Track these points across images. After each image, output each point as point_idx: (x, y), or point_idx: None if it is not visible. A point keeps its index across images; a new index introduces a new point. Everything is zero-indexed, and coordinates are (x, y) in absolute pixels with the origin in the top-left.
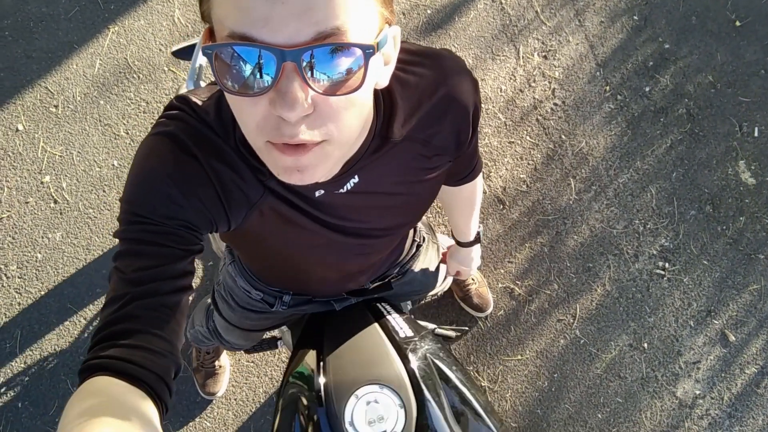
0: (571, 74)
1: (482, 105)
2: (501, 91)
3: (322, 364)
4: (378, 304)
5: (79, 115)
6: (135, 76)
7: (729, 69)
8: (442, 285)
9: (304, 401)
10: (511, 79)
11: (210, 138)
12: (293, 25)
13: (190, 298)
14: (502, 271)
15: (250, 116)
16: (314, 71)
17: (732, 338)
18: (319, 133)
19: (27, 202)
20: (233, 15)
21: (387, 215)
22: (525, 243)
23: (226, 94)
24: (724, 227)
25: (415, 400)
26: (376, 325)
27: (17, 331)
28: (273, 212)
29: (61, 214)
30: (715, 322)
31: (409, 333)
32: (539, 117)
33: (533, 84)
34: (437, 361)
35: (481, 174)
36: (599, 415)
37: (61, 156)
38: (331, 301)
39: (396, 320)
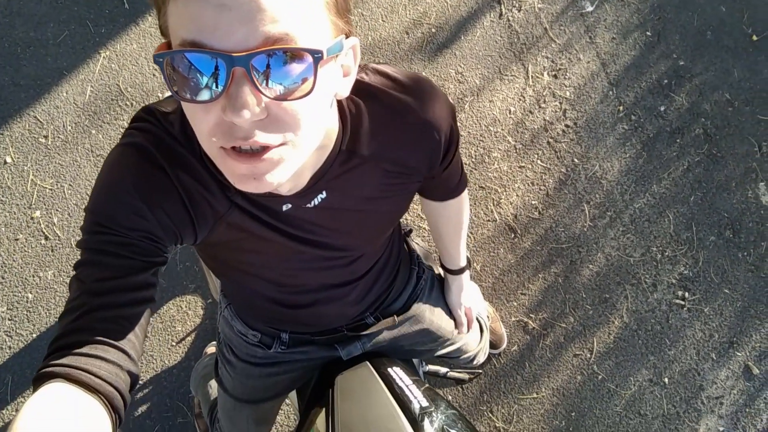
0: (583, 94)
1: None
2: (510, 112)
3: None
4: (390, 369)
5: (70, 145)
6: (128, 102)
7: (746, 86)
8: (479, 345)
9: None
10: (520, 99)
11: (176, 150)
12: (242, 31)
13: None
14: (515, 303)
15: (203, 123)
16: (264, 76)
17: (756, 371)
18: (275, 137)
19: (17, 239)
20: (184, 24)
21: (355, 231)
22: (538, 273)
23: (180, 102)
24: (745, 253)
25: None
26: (388, 395)
27: (8, 376)
28: (239, 226)
29: (52, 251)
30: (738, 354)
31: (424, 403)
32: (550, 139)
33: (543, 105)
34: None
35: (466, 191)
36: None
37: (51, 189)
38: (335, 345)
39: (410, 388)
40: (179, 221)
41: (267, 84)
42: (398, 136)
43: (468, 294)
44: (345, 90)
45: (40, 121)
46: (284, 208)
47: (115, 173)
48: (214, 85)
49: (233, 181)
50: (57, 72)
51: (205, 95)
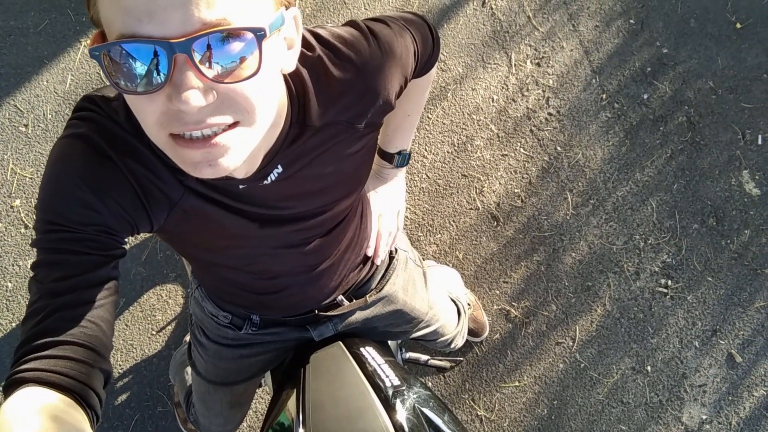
0: (566, 82)
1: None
2: (493, 101)
3: (302, 418)
4: (362, 349)
5: (51, 134)
6: None
7: (730, 74)
8: (457, 329)
9: None
10: (503, 88)
11: (123, 137)
12: (178, 16)
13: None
14: (497, 291)
15: (148, 114)
16: (207, 60)
17: (739, 359)
18: (227, 117)
19: None
20: (118, 16)
21: (318, 195)
22: (521, 261)
23: (123, 94)
24: (729, 241)
25: None
26: (360, 373)
27: None
28: (196, 211)
29: (32, 240)
30: (721, 342)
31: (396, 381)
32: (533, 128)
33: (526, 93)
34: (426, 411)
35: (435, 68)
36: None
37: (31, 178)
38: (306, 326)
39: (382, 368)
40: (132, 210)
41: (210, 66)
42: (346, 100)
43: (394, 205)
44: (291, 64)
45: (21, 110)
46: (241, 187)
47: (61, 167)
48: (156, 74)
49: (187, 169)
50: (37, 61)
51: (148, 86)
